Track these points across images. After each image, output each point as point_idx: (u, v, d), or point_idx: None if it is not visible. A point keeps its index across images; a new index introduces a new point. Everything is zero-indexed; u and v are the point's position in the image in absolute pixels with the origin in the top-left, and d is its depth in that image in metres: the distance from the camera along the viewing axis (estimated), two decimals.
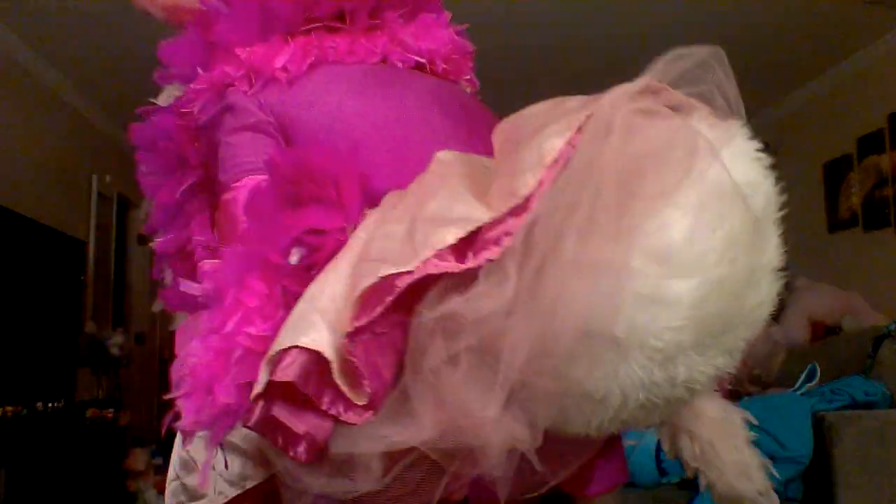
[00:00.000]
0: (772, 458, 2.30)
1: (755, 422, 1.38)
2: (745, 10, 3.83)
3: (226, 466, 1.13)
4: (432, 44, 1.36)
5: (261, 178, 1.14)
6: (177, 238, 1.41)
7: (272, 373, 0.90)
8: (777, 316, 4.31)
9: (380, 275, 0.90)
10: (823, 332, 4.09)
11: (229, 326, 1.00)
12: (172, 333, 1.14)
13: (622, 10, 3.83)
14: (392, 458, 0.94)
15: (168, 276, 1.48)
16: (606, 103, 1.00)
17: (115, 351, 4.77)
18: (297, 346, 0.90)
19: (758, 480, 1.32)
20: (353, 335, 0.90)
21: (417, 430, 0.91)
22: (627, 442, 2.62)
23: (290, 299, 1.00)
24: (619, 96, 1.03)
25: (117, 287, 5.70)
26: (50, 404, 3.79)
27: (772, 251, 1.18)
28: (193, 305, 1.12)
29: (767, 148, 1.15)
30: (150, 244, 1.46)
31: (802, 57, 4.43)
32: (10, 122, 4.14)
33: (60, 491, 3.59)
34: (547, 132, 1.02)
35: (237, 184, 1.17)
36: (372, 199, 1.08)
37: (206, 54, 1.33)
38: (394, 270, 0.90)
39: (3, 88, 4.08)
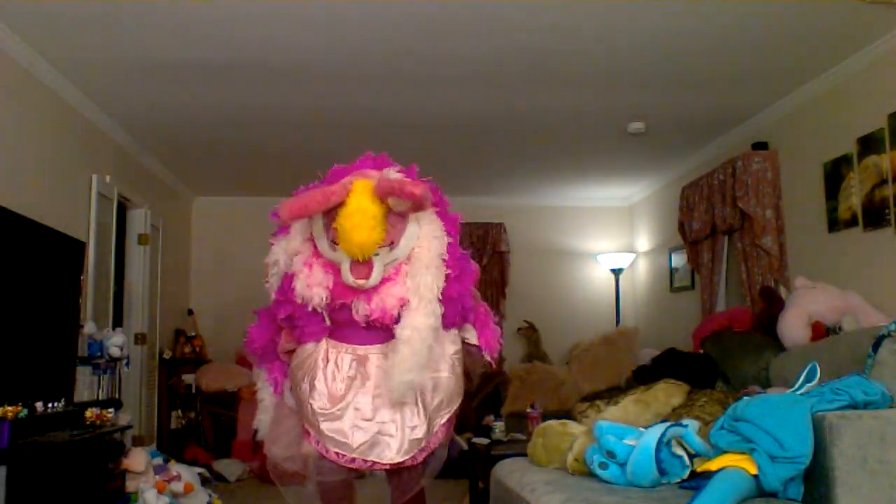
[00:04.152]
0: (772, 458, 2.31)
1: None
2: (745, 10, 3.83)
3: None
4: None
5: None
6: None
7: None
8: (777, 316, 4.31)
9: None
10: (823, 332, 4.09)
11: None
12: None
13: (623, 10, 3.83)
14: None
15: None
16: None
17: (115, 351, 4.76)
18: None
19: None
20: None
21: None
22: (628, 442, 2.63)
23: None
24: None
25: (117, 287, 5.70)
26: (50, 404, 3.79)
27: None
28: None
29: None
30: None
31: (802, 57, 4.43)
32: (10, 122, 4.14)
33: (61, 490, 3.59)
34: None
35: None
36: None
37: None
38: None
39: (4, 88, 4.08)
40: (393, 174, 2.69)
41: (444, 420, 2.68)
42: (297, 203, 2.54)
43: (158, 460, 4.85)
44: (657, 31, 4.08)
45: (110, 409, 4.32)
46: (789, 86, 4.91)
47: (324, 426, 2.59)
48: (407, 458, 2.59)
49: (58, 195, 4.70)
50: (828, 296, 4.23)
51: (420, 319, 2.57)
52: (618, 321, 7.84)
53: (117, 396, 4.99)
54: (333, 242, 2.60)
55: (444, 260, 2.66)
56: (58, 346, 4.15)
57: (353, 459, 2.58)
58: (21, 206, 3.92)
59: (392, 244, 2.61)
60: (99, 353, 4.70)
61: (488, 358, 2.93)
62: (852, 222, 4.44)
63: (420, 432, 2.60)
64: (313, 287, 2.62)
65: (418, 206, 2.57)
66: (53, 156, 4.67)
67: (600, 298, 8.29)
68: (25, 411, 3.41)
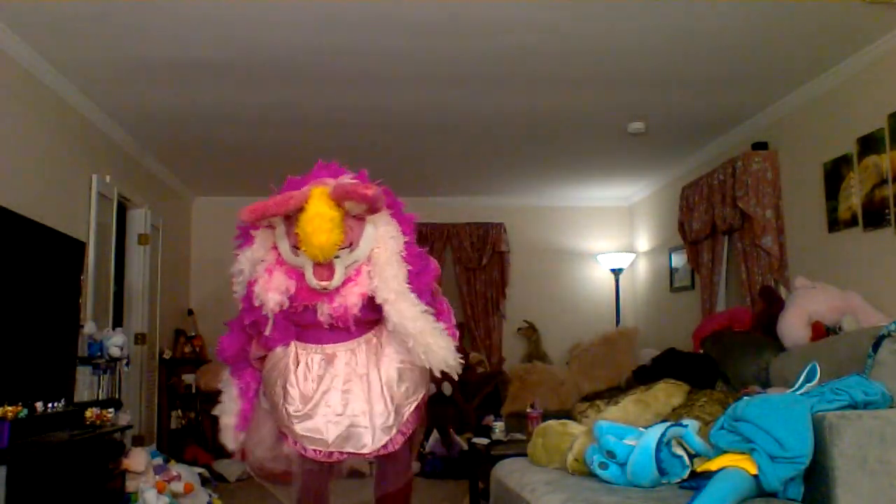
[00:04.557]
0: (772, 458, 2.31)
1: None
2: (745, 10, 3.83)
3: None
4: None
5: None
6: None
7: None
8: (777, 316, 4.31)
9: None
10: (823, 332, 4.09)
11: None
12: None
13: (623, 11, 3.83)
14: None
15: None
16: None
17: (115, 351, 4.77)
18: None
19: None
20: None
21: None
22: (628, 442, 2.63)
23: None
24: None
25: (117, 287, 5.70)
26: (50, 404, 3.79)
27: None
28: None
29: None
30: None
31: (803, 57, 4.43)
32: (10, 122, 4.14)
33: (61, 491, 3.59)
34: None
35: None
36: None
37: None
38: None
39: (4, 88, 4.08)
40: (346, 180, 2.84)
41: (412, 407, 2.85)
42: (257, 206, 2.71)
43: (158, 460, 4.85)
44: (657, 31, 4.08)
45: (110, 409, 4.32)
46: (789, 86, 4.91)
47: (298, 427, 2.74)
48: (381, 445, 2.75)
49: (58, 195, 4.70)
50: (828, 296, 4.23)
51: (410, 310, 2.75)
52: (618, 321, 7.84)
53: (117, 396, 4.99)
54: (295, 248, 2.74)
55: (402, 256, 2.83)
56: (58, 346, 4.15)
57: (331, 454, 2.74)
58: (21, 206, 3.92)
59: (351, 245, 2.75)
60: (99, 353, 4.70)
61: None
62: (852, 222, 4.44)
63: (390, 420, 2.77)
64: (269, 291, 2.78)
65: (372, 206, 2.73)
66: (53, 156, 4.67)
67: (600, 298, 8.29)
68: (25, 411, 3.41)
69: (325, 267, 2.73)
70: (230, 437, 3.01)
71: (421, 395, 2.90)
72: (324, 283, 2.72)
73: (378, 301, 2.79)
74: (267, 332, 2.84)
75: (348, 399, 2.77)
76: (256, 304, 2.81)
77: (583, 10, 3.82)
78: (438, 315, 3.02)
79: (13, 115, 4.18)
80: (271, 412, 2.89)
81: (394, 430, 2.77)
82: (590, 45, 4.25)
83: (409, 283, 2.81)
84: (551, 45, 4.23)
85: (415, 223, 3.01)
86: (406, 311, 2.75)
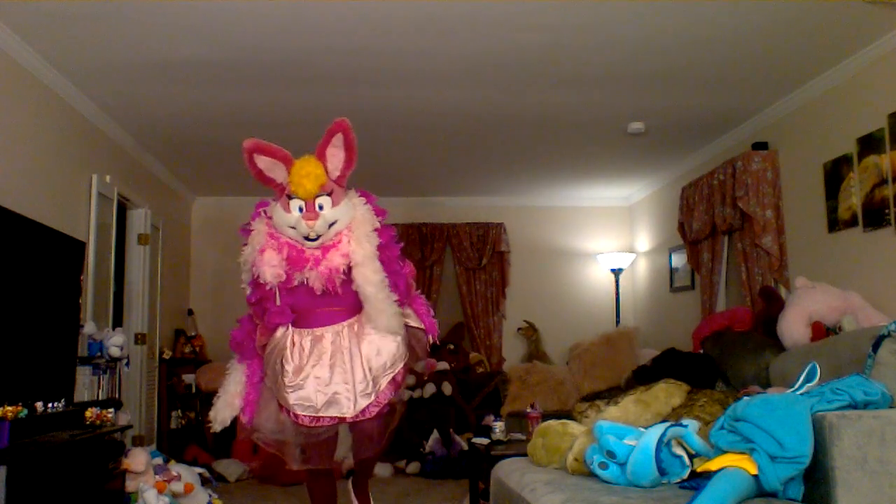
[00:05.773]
0: (772, 457, 2.31)
1: None
2: (745, 10, 3.83)
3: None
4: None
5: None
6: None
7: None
8: (777, 316, 4.31)
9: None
10: (823, 332, 4.09)
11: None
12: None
13: (624, 11, 3.83)
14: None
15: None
16: None
17: (115, 351, 4.76)
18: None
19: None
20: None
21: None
22: (628, 442, 2.63)
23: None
24: None
25: (117, 287, 5.70)
26: (50, 404, 3.79)
27: None
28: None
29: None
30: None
31: (802, 57, 4.43)
32: (9, 122, 4.14)
33: (61, 491, 3.59)
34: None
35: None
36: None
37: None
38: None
39: (3, 88, 4.08)
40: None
41: (388, 379, 3.28)
42: (255, 140, 3.26)
43: (158, 460, 4.85)
44: (657, 31, 4.08)
45: (110, 409, 4.31)
46: (789, 86, 4.91)
47: (292, 396, 3.19)
48: (360, 410, 3.20)
49: (58, 195, 4.70)
50: (828, 296, 4.23)
51: (372, 276, 3.22)
52: (618, 321, 7.84)
53: (117, 396, 4.99)
54: (288, 197, 3.20)
55: (376, 230, 3.30)
56: (58, 346, 4.15)
57: (319, 418, 3.19)
58: (21, 206, 3.92)
59: (332, 196, 3.20)
60: (99, 353, 4.70)
61: (431, 339, 3.54)
62: (852, 222, 4.44)
63: (368, 389, 3.22)
64: (263, 266, 3.21)
65: (348, 143, 3.23)
66: (53, 156, 4.67)
67: (600, 298, 8.29)
68: (25, 411, 3.41)
69: (312, 211, 3.16)
70: (224, 406, 3.38)
71: (398, 369, 3.31)
72: (310, 223, 3.14)
73: (351, 265, 3.22)
74: (277, 303, 3.26)
75: (333, 371, 3.23)
76: (261, 281, 3.23)
77: (583, 10, 3.82)
78: (416, 309, 3.52)
79: (13, 115, 4.18)
80: (271, 387, 3.31)
81: (372, 397, 3.22)
82: (590, 45, 4.25)
83: (377, 252, 3.26)
84: (551, 45, 4.23)
85: (386, 213, 3.43)
86: (369, 276, 3.21)
